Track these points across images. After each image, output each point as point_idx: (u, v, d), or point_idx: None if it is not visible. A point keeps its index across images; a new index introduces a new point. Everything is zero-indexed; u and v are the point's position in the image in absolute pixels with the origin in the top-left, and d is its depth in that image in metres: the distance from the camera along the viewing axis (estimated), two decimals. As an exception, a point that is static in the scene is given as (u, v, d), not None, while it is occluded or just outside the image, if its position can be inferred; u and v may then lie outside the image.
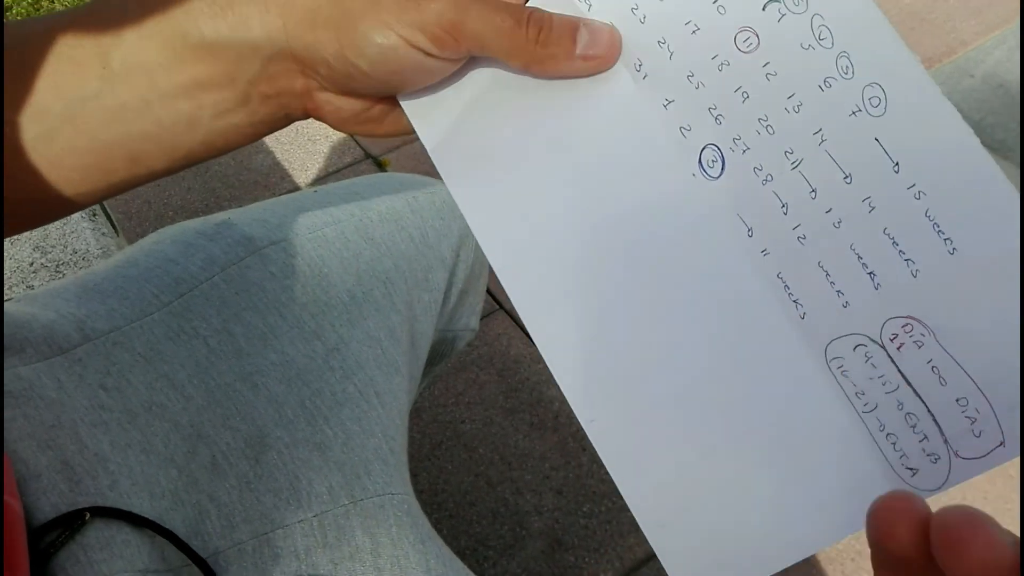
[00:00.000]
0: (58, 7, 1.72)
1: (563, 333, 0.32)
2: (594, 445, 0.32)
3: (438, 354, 0.68)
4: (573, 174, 0.32)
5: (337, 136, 1.57)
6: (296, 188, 1.50)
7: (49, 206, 0.35)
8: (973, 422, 0.26)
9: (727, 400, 0.31)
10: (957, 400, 0.27)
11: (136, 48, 0.31)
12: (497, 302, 1.27)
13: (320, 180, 1.51)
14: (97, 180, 0.34)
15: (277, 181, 1.51)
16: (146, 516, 0.41)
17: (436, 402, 1.19)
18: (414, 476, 0.52)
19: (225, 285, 0.50)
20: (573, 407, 0.32)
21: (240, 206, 0.59)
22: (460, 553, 1.05)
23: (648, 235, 0.31)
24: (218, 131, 0.33)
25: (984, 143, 0.26)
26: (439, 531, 0.49)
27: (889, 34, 0.27)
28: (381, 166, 1.52)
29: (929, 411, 0.27)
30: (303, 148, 1.57)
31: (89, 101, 0.31)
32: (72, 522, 0.38)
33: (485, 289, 0.72)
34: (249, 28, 0.30)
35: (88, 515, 0.39)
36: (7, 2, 1.73)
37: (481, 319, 0.75)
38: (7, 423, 0.41)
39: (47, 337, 0.46)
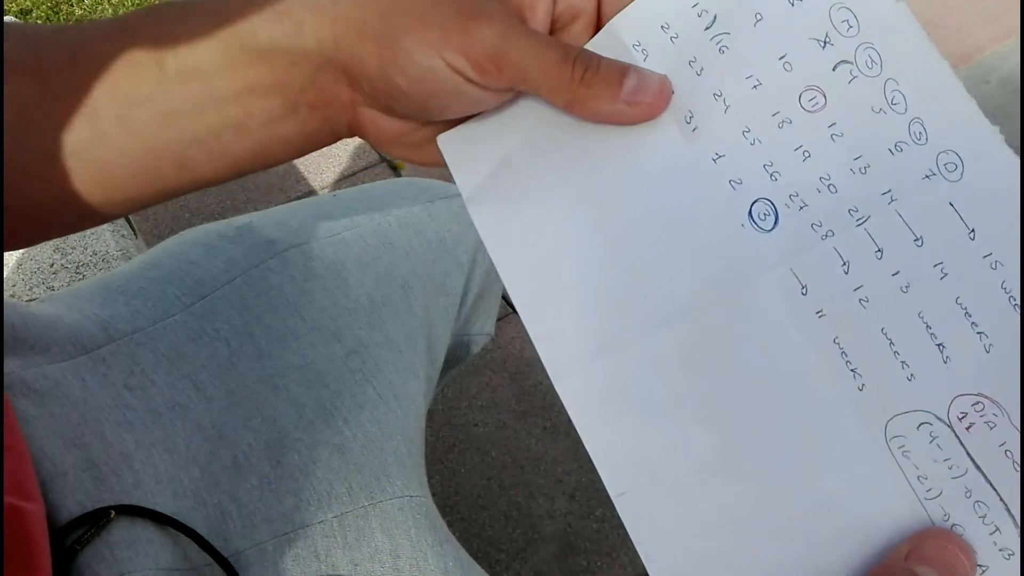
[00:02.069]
0: (77, 11, 1.74)
1: (593, 393, 0.30)
2: (622, 518, 0.29)
3: (454, 357, 0.68)
4: (610, 226, 0.31)
5: (353, 140, 1.58)
6: (312, 191, 1.51)
7: (95, 210, 0.35)
8: None
9: (771, 479, 0.28)
10: None
11: (193, 52, 0.31)
12: (511, 306, 1.27)
13: (336, 184, 1.52)
14: (144, 185, 0.34)
15: (293, 184, 1.52)
16: (169, 515, 0.42)
17: (449, 405, 1.20)
18: (427, 479, 0.53)
19: (246, 287, 0.51)
20: (603, 478, 0.29)
21: (256, 209, 0.60)
22: (472, 556, 1.05)
23: (689, 291, 0.29)
24: (266, 141, 0.34)
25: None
26: (451, 534, 0.50)
27: (967, 104, 0.26)
28: (396, 169, 1.53)
29: (1001, 500, 0.25)
30: (319, 152, 1.58)
31: (143, 104, 0.32)
32: (98, 520, 0.39)
33: (501, 293, 0.73)
34: (302, 35, 0.31)
35: (113, 513, 0.39)
36: (27, 5, 1.75)
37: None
38: (34, 421, 0.42)
39: (72, 337, 0.47)
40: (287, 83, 0.32)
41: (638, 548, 0.29)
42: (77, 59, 0.32)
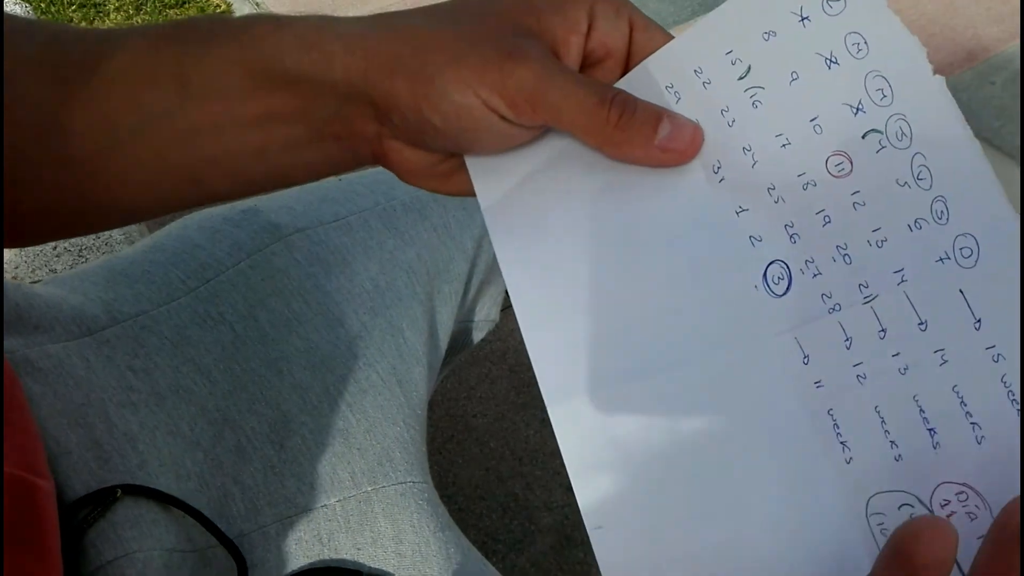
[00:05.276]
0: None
1: (582, 424, 0.30)
2: (595, 549, 0.30)
3: (458, 344, 0.68)
4: (626, 264, 0.31)
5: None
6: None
7: (107, 217, 0.35)
8: None
9: (753, 539, 0.28)
10: None
11: (217, 72, 0.31)
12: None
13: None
14: (159, 196, 0.34)
15: (294, 172, 1.52)
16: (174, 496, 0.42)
17: (448, 396, 1.20)
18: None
19: (251, 271, 0.51)
20: (582, 509, 0.30)
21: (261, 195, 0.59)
22: (469, 546, 1.05)
23: (692, 343, 0.30)
24: (285, 165, 0.33)
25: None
26: (453, 520, 0.50)
27: (993, 187, 0.25)
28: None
29: None
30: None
31: (162, 119, 0.31)
32: (104, 499, 0.39)
33: (505, 281, 0.73)
34: (331, 67, 0.30)
35: (119, 492, 0.39)
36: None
37: (497, 313, 0.75)
38: (37, 399, 0.42)
39: (76, 318, 0.47)
40: (311, 112, 0.31)
41: None
42: (101, 68, 0.31)
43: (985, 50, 1.57)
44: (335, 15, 0.32)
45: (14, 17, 0.33)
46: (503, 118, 0.30)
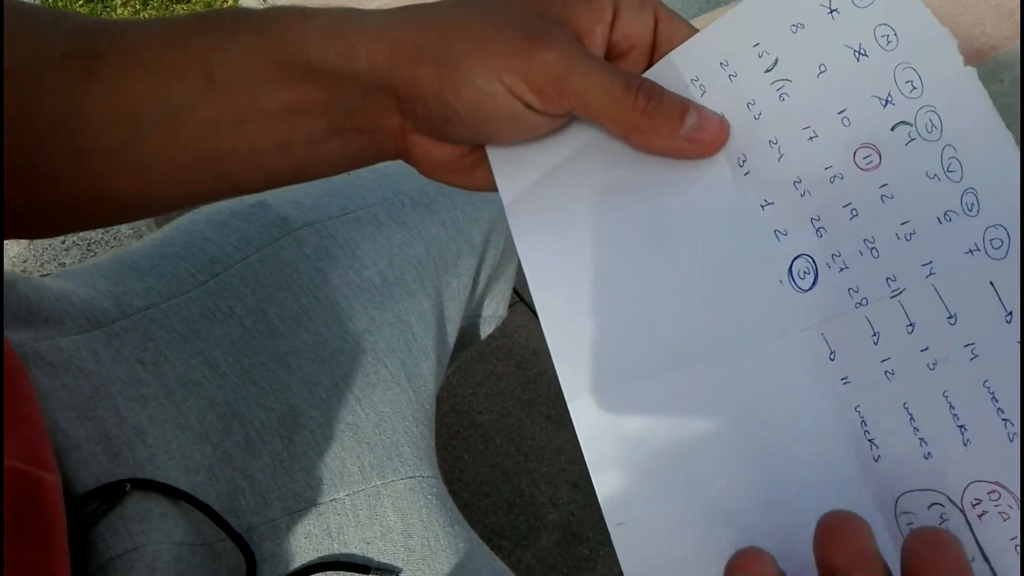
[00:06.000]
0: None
1: (604, 421, 0.30)
2: (616, 547, 0.29)
3: (466, 339, 0.68)
4: (650, 258, 0.31)
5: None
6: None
7: (129, 208, 0.35)
8: None
9: (777, 538, 0.28)
10: None
11: (241, 64, 0.31)
12: (517, 295, 1.27)
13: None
14: (180, 189, 0.34)
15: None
16: (183, 490, 0.42)
17: (454, 392, 1.20)
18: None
19: (260, 265, 0.51)
20: (602, 506, 0.30)
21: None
22: (475, 542, 1.05)
23: (717, 336, 0.29)
24: (308, 158, 0.33)
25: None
26: (461, 515, 0.50)
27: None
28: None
29: None
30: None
31: (185, 111, 0.31)
32: (113, 493, 0.39)
33: (513, 276, 0.73)
34: (355, 58, 0.30)
35: (128, 486, 0.39)
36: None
37: (504, 309, 0.75)
38: (47, 393, 0.42)
39: (85, 311, 0.47)
40: (335, 104, 0.31)
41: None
42: (126, 60, 0.31)
43: (993, 48, 1.56)
44: (359, 7, 0.32)
45: (38, 9, 0.33)
46: (527, 106, 0.30)
